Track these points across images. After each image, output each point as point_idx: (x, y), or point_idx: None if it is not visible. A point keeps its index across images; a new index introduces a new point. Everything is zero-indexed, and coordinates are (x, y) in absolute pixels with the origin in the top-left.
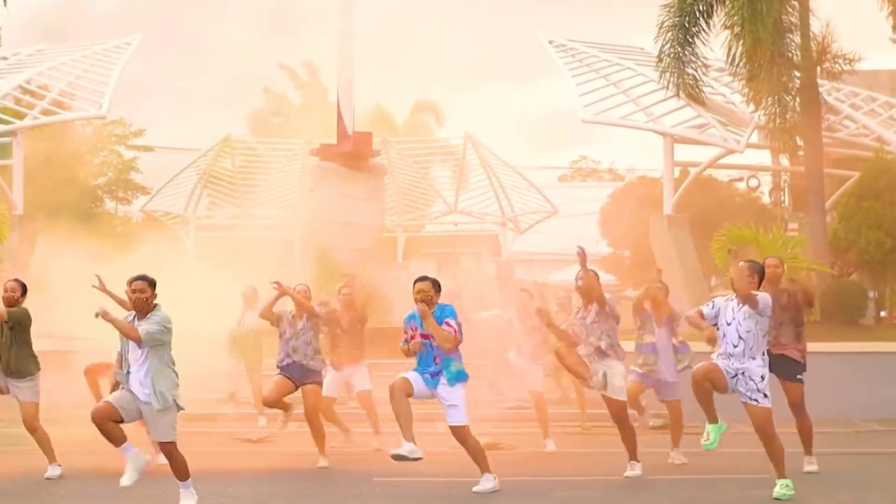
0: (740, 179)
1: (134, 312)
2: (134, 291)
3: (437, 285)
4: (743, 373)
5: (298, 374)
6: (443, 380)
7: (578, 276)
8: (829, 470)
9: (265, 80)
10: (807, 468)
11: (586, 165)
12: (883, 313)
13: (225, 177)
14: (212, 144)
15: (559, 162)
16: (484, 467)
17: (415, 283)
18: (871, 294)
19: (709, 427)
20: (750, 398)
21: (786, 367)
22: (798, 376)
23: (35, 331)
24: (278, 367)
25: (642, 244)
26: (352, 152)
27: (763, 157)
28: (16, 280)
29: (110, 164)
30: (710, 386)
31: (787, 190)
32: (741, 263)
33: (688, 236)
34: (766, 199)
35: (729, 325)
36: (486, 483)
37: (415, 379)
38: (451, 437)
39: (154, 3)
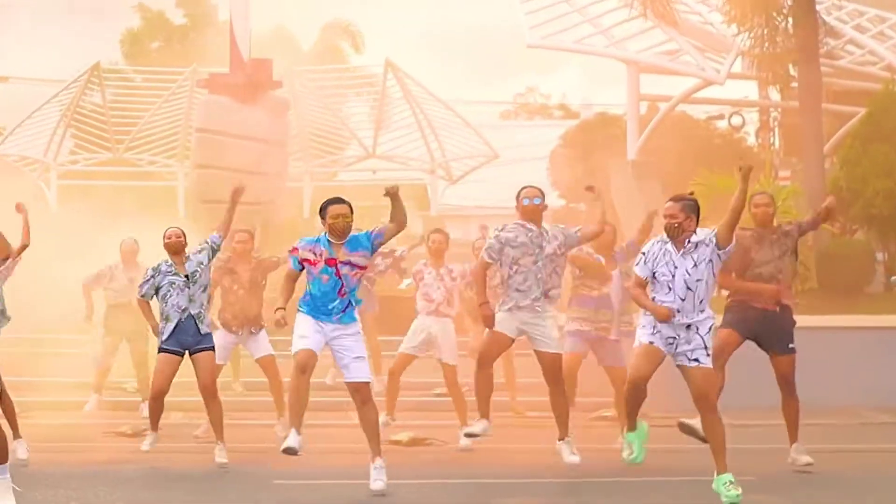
0: (721, 117)
1: None
2: None
3: (351, 208)
4: (688, 327)
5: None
6: (347, 316)
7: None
8: (827, 472)
9: None
10: (802, 460)
11: (533, 100)
12: (894, 279)
13: (94, 114)
14: (77, 74)
15: (500, 96)
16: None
17: (328, 205)
18: (879, 256)
19: (629, 437)
20: (692, 359)
21: (779, 331)
22: (791, 344)
23: None
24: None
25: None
26: (247, 83)
27: (748, 90)
28: None
29: None
30: (645, 388)
31: (777, 130)
32: (669, 203)
33: (657, 186)
34: (751, 140)
35: (673, 276)
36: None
37: (314, 343)
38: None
39: None
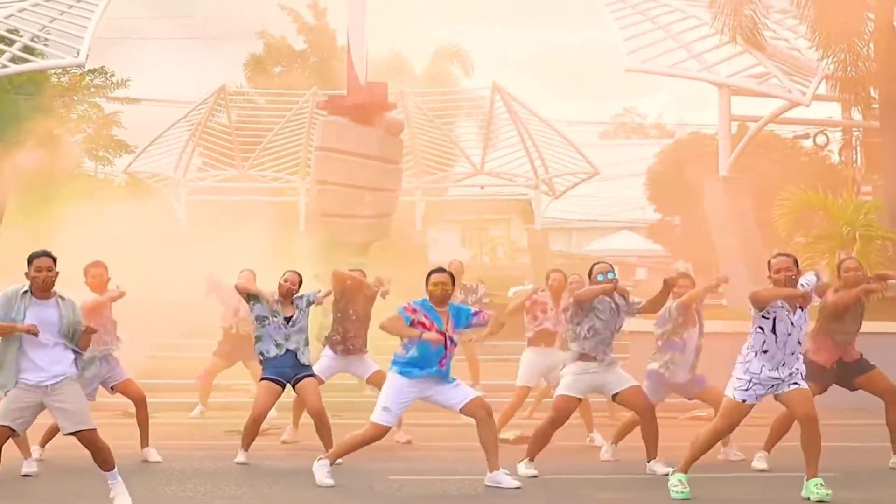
0: (806, 136)
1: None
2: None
3: (453, 279)
4: (791, 374)
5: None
6: (447, 384)
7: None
8: None
9: (263, 23)
10: None
11: (631, 120)
12: None
13: (220, 133)
14: (205, 96)
15: (600, 116)
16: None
17: (430, 274)
18: None
19: (681, 477)
20: (791, 384)
21: (850, 368)
22: (867, 362)
23: None
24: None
25: (695, 210)
26: (364, 105)
27: (832, 111)
28: None
29: (89, 118)
30: None
31: (859, 148)
32: (782, 257)
33: (746, 201)
34: (835, 158)
35: (789, 335)
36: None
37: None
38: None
39: None
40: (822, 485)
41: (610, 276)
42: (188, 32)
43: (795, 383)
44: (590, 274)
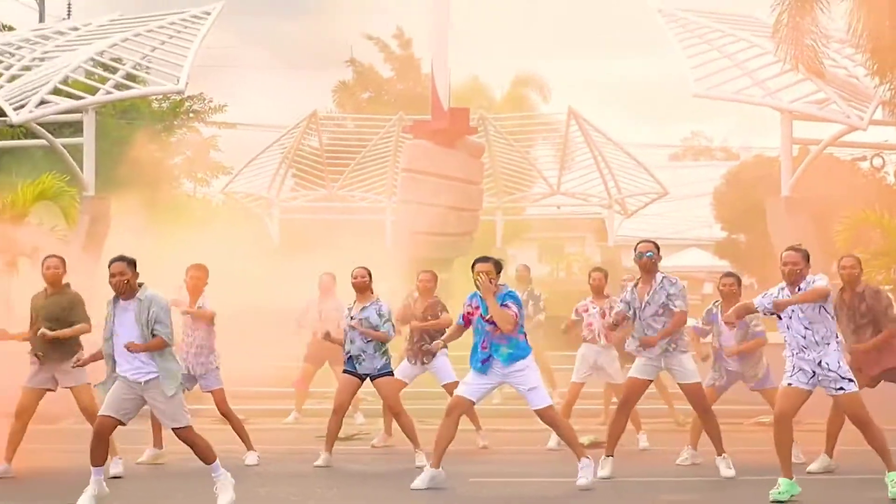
0: (864, 159)
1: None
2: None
3: (498, 266)
4: (819, 363)
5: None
6: (496, 364)
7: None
8: None
9: (352, 52)
10: None
11: (698, 143)
12: None
13: (311, 156)
14: (297, 121)
15: (669, 139)
16: (579, 451)
17: (475, 262)
18: None
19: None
20: (837, 388)
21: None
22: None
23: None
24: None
25: (758, 228)
26: (447, 130)
27: (889, 135)
28: (56, 256)
29: (188, 142)
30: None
31: None
32: (790, 251)
33: (807, 220)
34: (891, 179)
35: (790, 317)
36: (587, 470)
37: (469, 390)
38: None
39: None
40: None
41: (649, 255)
42: (281, 61)
43: (841, 388)
44: (635, 250)
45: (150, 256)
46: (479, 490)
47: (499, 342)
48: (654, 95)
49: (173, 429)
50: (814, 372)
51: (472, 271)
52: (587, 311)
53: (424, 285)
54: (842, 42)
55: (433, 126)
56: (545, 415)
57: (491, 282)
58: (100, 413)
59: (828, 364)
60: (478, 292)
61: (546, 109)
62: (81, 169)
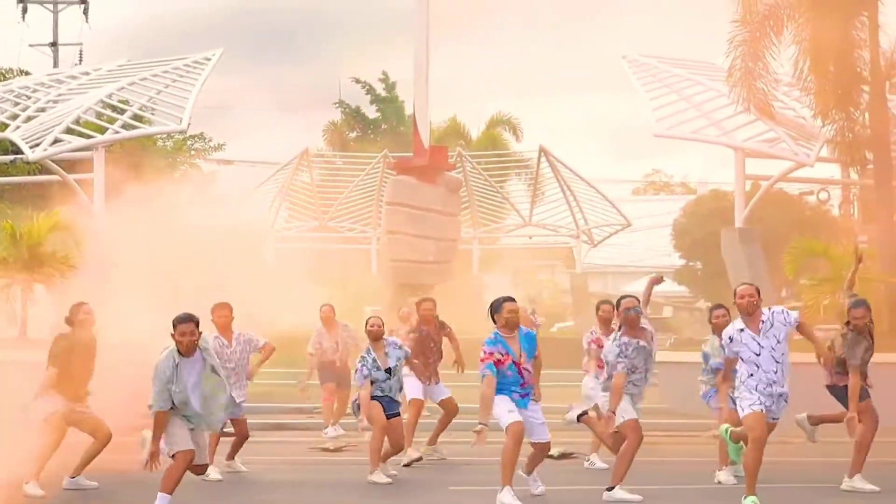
0: (810, 193)
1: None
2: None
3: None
4: (780, 395)
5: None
6: (531, 401)
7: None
8: None
9: (340, 95)
10: None
11: (659, 179)
12: None
13: (303, 190)
14: (290, 158)
15: (632, 175)
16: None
17: (503, 302)
18: None
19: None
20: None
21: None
22: None
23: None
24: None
25: (714, 256)
26: (428, 166)
27: (833, 171)
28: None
29: (190, 177)
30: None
31: (856, 203)
32: (744, 286)
33: (759, 249)
34: (835, 211)
35: (758, 355)
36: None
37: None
38: None
39: (233, 20)
40: None
41: (636, 310)
42: (275, 103)
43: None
44: (617, 306)
45: (155, 281)
46: (457, 497)
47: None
48: (618, 135)
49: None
50: (772, 404)
51: (501, 311)
52: (601, 344)
53: (429, 313)
54: (790, 85)
55: (415, 163)
56: (545, 449)
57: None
58: (186, 448)
59: (785, 396)
60: (499, 335)
61: (518, 147)
62: (92, 202)
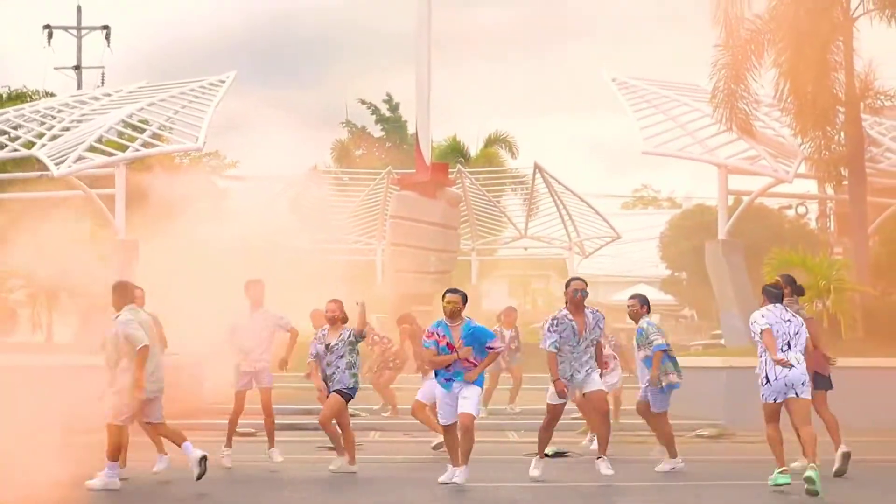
0: (789, 207)
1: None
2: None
3: (464, 298)
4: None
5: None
6: (455, 383)
7: None
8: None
9: (347, 115)
10: None
11: (647, 194)
12: None
13: (312, 204)
14: (300, 175)
15: (622, 190)
16: (464, 461)
17: (445, 294)
18: None
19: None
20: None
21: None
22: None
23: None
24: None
25: (698, 267)
26: (429, 182)
27: (810, 187)
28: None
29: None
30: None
31: (832, 217)
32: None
33: (740, 260)
34: (813, 225)
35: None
36: (463, 475)
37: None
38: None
39: (245, 46)
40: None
41: (584, 293)
42: (285, 121)
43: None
44: (567, 286)
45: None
46: (441, 490)
47: (462, 371)
48: (608, 152)
49: None
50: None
51: (443, 300)
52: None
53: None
54: (770, 106)
55: (417, 179)
56: (465, 421)
57: (460, 312)
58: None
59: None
60: (443, 321)
61: (514, 164)
62: (114, 216)
